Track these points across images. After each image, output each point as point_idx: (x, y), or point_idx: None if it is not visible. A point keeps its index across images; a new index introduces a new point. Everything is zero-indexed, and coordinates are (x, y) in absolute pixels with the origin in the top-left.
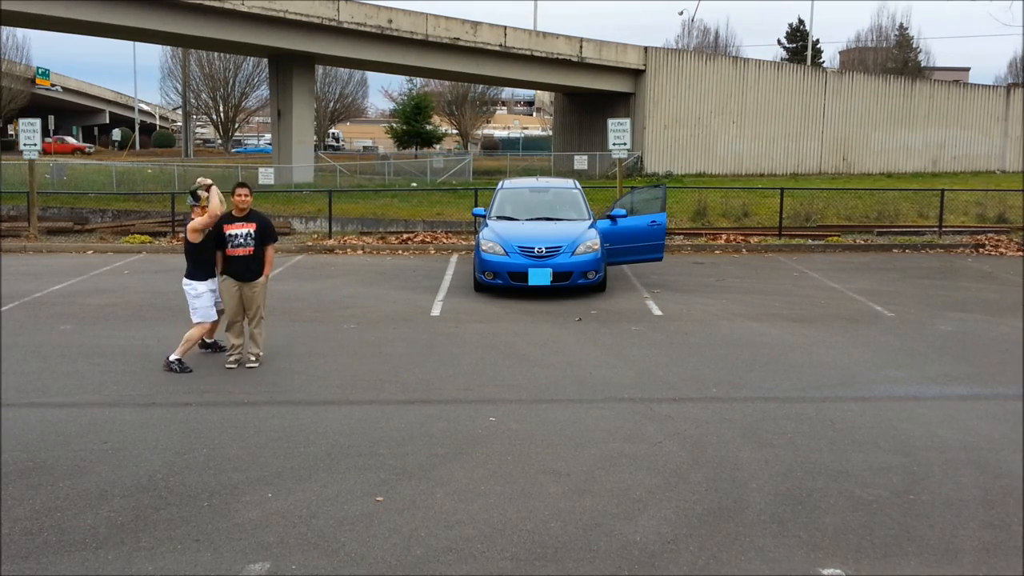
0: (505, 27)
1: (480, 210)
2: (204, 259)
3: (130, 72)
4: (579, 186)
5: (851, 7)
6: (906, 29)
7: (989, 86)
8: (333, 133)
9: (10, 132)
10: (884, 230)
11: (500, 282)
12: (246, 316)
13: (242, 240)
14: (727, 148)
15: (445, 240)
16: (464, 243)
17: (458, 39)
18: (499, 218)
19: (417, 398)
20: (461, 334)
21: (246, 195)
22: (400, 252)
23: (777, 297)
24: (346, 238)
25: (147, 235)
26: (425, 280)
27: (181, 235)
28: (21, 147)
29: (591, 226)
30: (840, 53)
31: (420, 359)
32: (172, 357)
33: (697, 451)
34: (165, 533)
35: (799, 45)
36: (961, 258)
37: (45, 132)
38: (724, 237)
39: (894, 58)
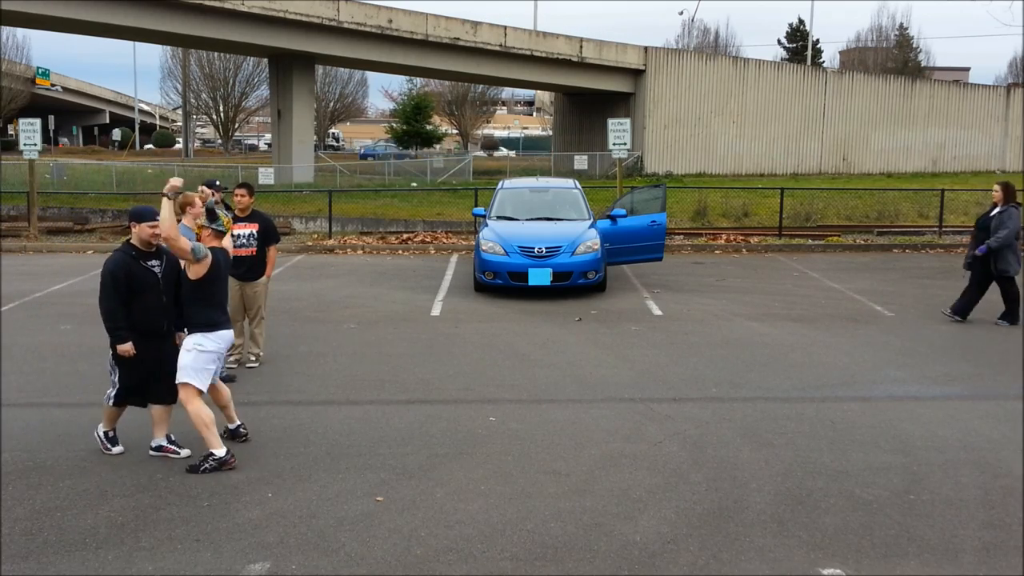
0: (505, 27)
1: (480, 210)
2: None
3: (130, 72)
4: (579, 186)
5: (851, 7)
6: (906, 29)
7: (989, 86)
8: (333, 133)
9: (10, 132)
10: (884, 230)
11: (500, 282)
12: (247, 316)
13: (244, 240)
14: (727, 148)
15: (445, 240)
16: (464, 243)
17: (458, 39)
18: (499, 218)
19: (417, 398)
20: (461, 334)
21: (243, 195)
22: (400, 252)
23: (777, 297)
24: (346, 238)
25: None
26: (425, 280)
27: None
28: (21, 147)
29: (591, 226)
30: (840, 53)
31: (420, 359)
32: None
33: (697, 451)
34: (165, 533)
35: (799, 45)
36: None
37: (46, 133)
38: (724, 237)
39: (894, 58)
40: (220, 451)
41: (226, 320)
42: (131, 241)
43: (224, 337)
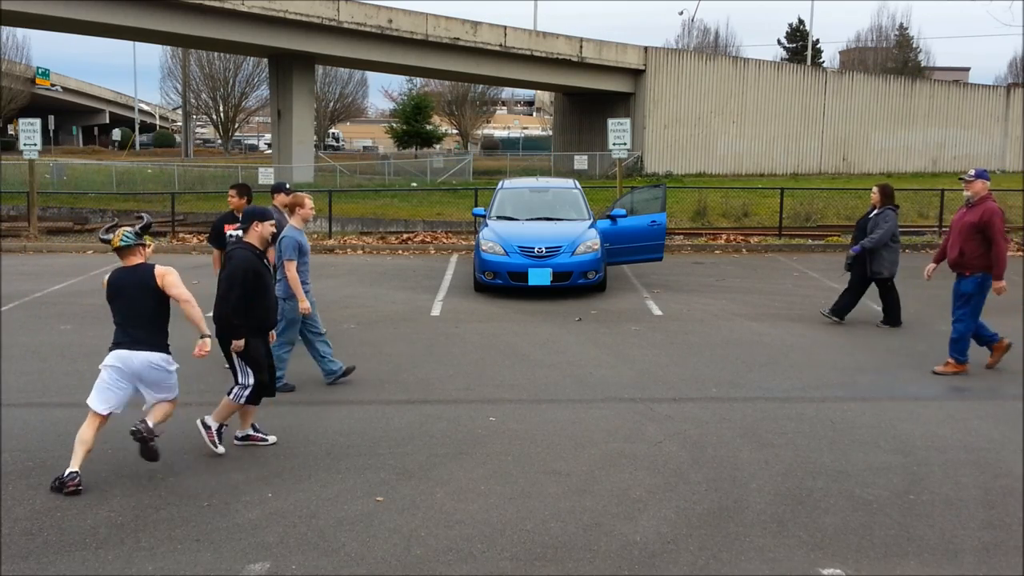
0: (505, 27)
1: (480, 210)
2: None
3: (130, 72)
4: (579, 186)
5: (851, 7)
6: (906, 29)
7: (989, 86)
8: (333, 133)
9: (10, 132)
10: None
11: (500, 282)
12: None
13: None
14: (727, 148)
15: (445, 240)
16: (464, 243)
17: (458, 39)
18: (499, 218)
19: (417, 398)
20: (461, 334)
21: (232, 196)
22: (400, 252)
23: (777, 297)
24: (346, 238)
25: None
26: (425, 280)
27: (181, 235)
28: (21, 147)
29: (591, 226)
30: (840, 53)
31: (420, 359)
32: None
33: (697, 451)
34: (165, 533)
35: (799, 45)
36: None
37: (45, 132)
38: (724, 237)
39: (894, 58)
40: (67, 470)
41: (122, 342)
42: (249, 240)
43: (112, 357)
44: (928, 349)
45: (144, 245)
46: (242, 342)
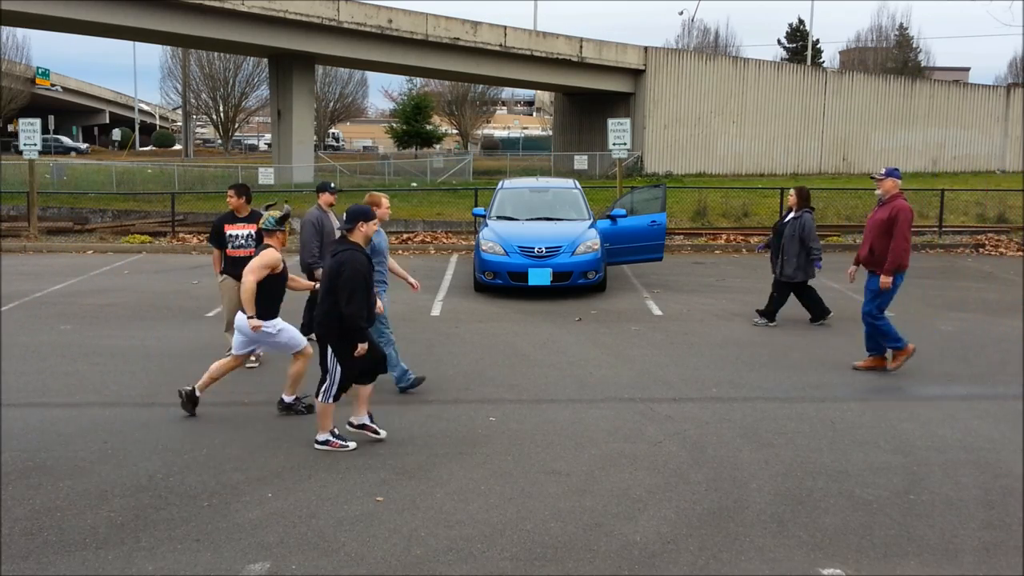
0: (505, 27)
1: (480, 210)
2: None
3: (130, 72)
4: (579, 186)
5: (851, 7)
6: (906, 29)
7: (989, 86)
8: (333, 133)
9: (10, 131)
10: None
11: (500, 282)
12: None
13: (243, 241)
14: (727, 148)
15: (445, 240)
16: (464, 243)
17: (458, 39)
18: (499, 218)
19: (417, 398)
20: (461, 334)
21: (230, 196)
22: (400, 252)
23: None
24: None
25: (147, 235)
26: (425, 280)
27: (180, 235)
28: (21, 147)
29: (591, 226)
30: (840, 53)
31: (420, 359)
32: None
33: (697, 451)
34: (165, 533)
35: (799, 45)
36: (961, 258)
37: (45, 132)
38: (724, 237)
39: (894, 58)
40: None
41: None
42: (355, 240)
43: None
44: (927, 349)
45: (282, 232)
46: (366, 345)
